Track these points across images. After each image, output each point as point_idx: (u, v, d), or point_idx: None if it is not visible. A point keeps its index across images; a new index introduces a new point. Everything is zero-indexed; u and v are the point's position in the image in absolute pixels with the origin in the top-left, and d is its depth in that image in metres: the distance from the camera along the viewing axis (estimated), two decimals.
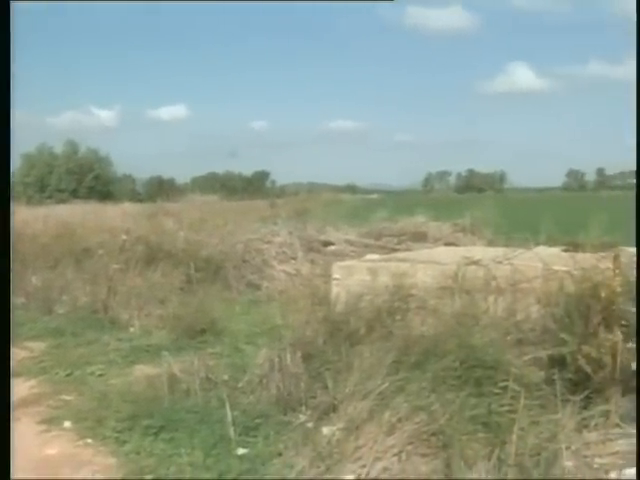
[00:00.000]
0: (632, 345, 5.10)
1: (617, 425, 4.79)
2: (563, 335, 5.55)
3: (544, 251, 8.79)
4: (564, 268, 6.66)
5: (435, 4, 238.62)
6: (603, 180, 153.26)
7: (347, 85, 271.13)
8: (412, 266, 7.89)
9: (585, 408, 5.03)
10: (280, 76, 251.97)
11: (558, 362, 5.50)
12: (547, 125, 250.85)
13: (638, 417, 3.91)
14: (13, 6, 3.76)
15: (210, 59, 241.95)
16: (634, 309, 5.23)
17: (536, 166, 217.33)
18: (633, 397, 5.01)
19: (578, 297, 5.72)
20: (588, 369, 5.22)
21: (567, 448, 4.40)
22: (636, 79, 4.46)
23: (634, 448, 4.46)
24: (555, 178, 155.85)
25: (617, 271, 5.98)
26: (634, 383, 5.11)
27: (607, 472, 4.24)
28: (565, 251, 8.61)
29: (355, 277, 8.20)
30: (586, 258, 7.06)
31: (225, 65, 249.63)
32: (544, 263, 7.04)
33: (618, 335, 5.14)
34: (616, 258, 6.81)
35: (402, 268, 7.80)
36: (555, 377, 5.33)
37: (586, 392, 5.16)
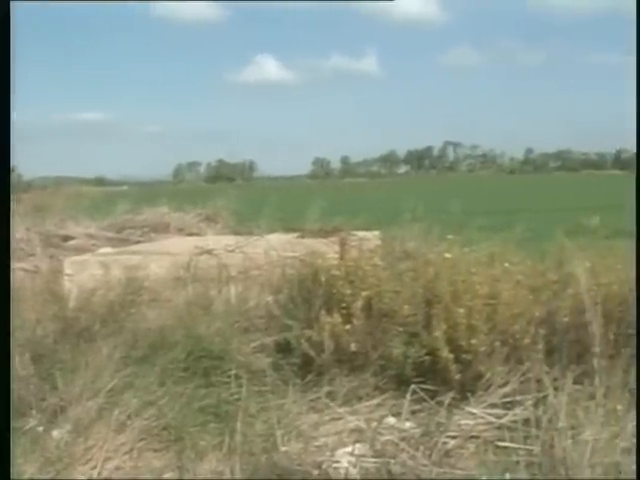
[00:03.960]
0: (350, 327, 5.29)
1: (340, 405, 4.92)
2: (287, 321, 5.67)
3: (278, 238, 8.92)
4: (293, 254, 6.80)
5: None
6: (348, 168, 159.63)
7: (95, 77, 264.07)
8: (145, 258, 7.77)
9: (311, 390, 5.13)
10: (22, 68, 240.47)
11: (284, 347, 5.60)
12: (294, 115, 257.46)
13: (638, 416, 4.01)
14: (13, 6, 3.76)
15: None
16: (350, 291, 5.42)
17: (285, 155, 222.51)
18: (354, 377, 5.20)
19: (301, 282, 5.86)
20: (312, 352, 5.33)
21: (292, 431, 4.48)
22: (636, 78, 4.57)
23: (354, 426, 4.62)
24: (303, 166, 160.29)
25: (341, 255, 6.17)
26: (355, 363, 5.30)
27: (331, 451, 4.34)
28: (298, 237, 8.79)
29: (87, 272, 7.96)
30: (316, 244, 7.24)
31: None
32: (275, 250, 7.15)
33: (337, 318, 5.29)
34: (342, 242, 7.06)
35: (135, 260, 7.66)
36: (282, 362, 5.44)
37: (311, 375, 5.28)
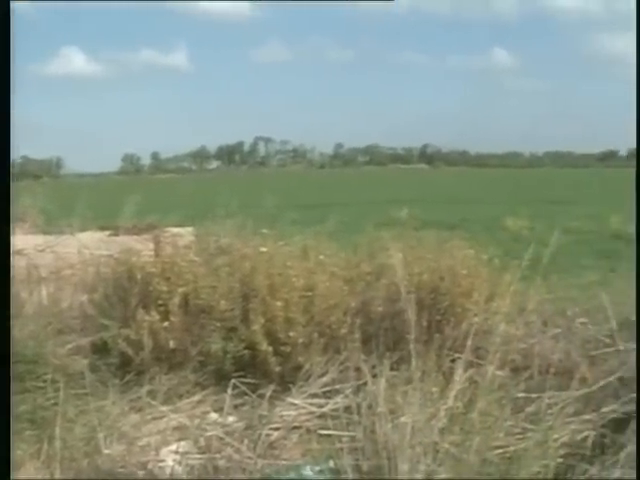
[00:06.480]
0: (168, 324, 5.27)
1: (162, 403, 4.89)
2: (103, 320, 5.56)
3: (90, 236, 8.71)
4: (107, 252, 6.68)
5: None
6: (158, 164, 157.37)
7: None
8: None
9: (131, 390, 5.07)
10: None
11: (101, 348, 5.49)
12: (102, 110, 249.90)
13: (638, 417, 3.99)
14: (13, 6, 3.74)
15: None
16: (167, 288, 5.39)
17: (93, 151, 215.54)
18: (174, 374, 5.18)
19: (116, 281, 5.77)
20: (130, 351, 5.27)
21: (114, 433, 4.41)
22: (636, 76, 4.53)
23: (177, 423, 4.61)
24: (112, 162, 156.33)
25: (156, 252, 6.11)
26: (175, 360, 5.28)
27: (156, 450, 4.31)
28: (111, 235, 8.64)
29: None
30: (130, 241, 7.13)
31: None
32: (88, 249, 6.99)
33: (155, 315, 5.25)
34: (156, 240, 6.99)
35: None
36: (99, 363, 5.33)
37: (131, 374, 5.21)
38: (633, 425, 3.92)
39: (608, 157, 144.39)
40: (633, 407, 4.27)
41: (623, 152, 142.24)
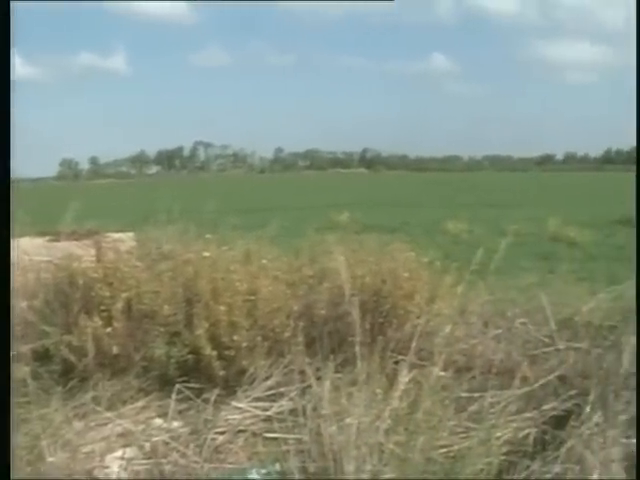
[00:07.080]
0: (111, 329, 5.21)
1: (106, 410, 4.84)
2: (44, 327, 5.49)
3: (30, 242, 8.57)
4: (47, 258, 6.59)
5: None
6: (97, 169, 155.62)
7: None
8: None
9: (75, 397, 5.00)
10: None
11: (42, 355, 5.42)
12: (39, 114, 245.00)
13: (638, 417, 3.96)
14: (13, 6, 3.73)
15: None
16: (109, 293, 5.34)
17: (29, 156, 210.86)
18: (118, 380, 5.13)
19: (57, 287, 5.70)
20: (72, 358, 5.20)
21: (58, 441, 4.35)
22: (636, 77, 4.54)
23: (121, 430, 4.56)
24: (49, 167, 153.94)
25: (98, 257, 6.05)
26: (118, 366, 5.23)
27: (101, 457, 4.26)
28: (51, 241, 8.51)
29: None
30: (70, 247, 7.04)
31: None
32: (27, 254, 6.88)
33: (98, 321, 5.19)
34: (97, 245, 6.92)
35: None
36: (41, 370, 5.25)
37: (74, 381, 5.14)
38: (572, 422, 4.02)
39: (545, 161, 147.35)
40: (572, 404, 4.38)
41: (560, 156, 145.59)
